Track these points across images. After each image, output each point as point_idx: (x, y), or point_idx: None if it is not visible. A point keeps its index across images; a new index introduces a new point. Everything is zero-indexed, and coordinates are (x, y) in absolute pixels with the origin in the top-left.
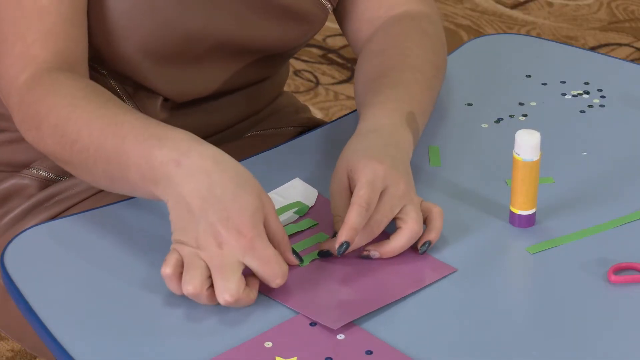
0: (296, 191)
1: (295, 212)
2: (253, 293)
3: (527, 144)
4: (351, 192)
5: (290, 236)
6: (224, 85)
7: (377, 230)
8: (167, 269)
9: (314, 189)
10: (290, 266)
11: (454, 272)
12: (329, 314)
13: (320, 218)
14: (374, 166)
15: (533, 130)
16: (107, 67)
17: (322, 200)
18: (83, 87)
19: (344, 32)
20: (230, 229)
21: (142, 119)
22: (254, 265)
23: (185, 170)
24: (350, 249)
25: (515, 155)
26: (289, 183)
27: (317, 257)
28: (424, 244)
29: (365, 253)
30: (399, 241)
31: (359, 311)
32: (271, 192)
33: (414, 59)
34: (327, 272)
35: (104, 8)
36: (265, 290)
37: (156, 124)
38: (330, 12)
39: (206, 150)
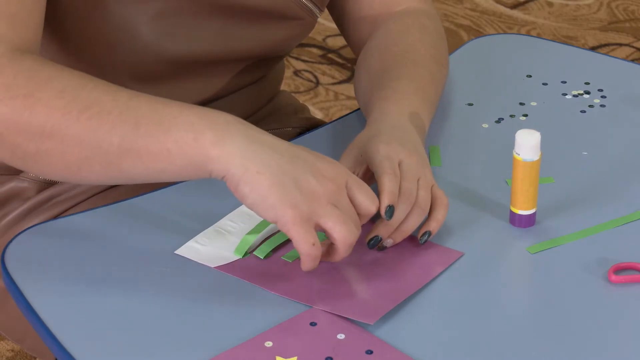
0: None
1: None
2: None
3: (527, 144)
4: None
5: (284, 243)
6: (218, 92)
7: (412, 199)
8: (316, 248)
9: None
10: (299, 270)
11: (460, 256)
12: (361, 311)
13: None
14: (383, 145)
15: (533, 130)
16: None
17: None
18: (75, 72)
19: (342, 32)
20: (324, 172)
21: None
22: (358, 195)
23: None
24: (396, 220)
25: (516, 155)
26: None
27: (369, 247)
28: (424, 233)
29: (380, 245)
30: (406, 221)
31: (388, 304)
32: None
33: (416, 55)
34: (338, 271)
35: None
36: (288, 294)
37: (192, 107)
38: (318, 15)
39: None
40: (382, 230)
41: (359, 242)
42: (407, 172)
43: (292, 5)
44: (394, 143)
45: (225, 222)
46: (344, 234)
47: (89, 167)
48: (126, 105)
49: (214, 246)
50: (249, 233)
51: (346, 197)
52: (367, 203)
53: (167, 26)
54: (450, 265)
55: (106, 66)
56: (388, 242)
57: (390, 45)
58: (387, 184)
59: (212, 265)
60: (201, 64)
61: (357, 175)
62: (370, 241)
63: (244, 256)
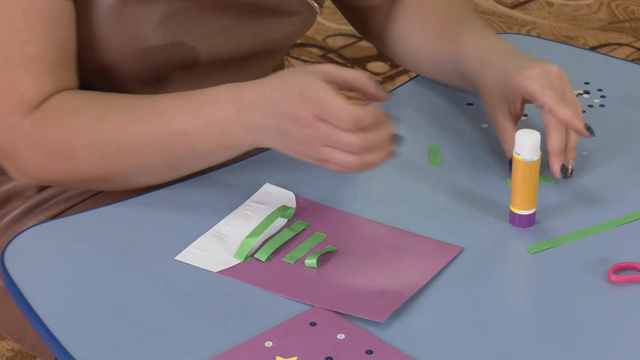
0: (273, 196)
1: (283, 217)
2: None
3: (527, 144)
4: (515, 112)
5: (288, 241)
6: None
7: (578, 108)
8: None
9: (288, 192)
10: (302, 271)
11: (460, 251)
12: (369, 309)
13: (309, 218)
14: (528, 72)
15: (533, 130)
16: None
17: (302, 201)
18: (89, 97)
19: (352, 21)
20: (295, 107)
21: (171, 96)
22: (331, 116)
23: (249, 109)
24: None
25: (516, 155)
26: (262, 189)
27: (562, 177)
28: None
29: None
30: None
31: (396, 301)
32: (248, 200)
33: (456, 6)
34: (341, 270)
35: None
36: (294, 296)
37: (191, 94)
38: (318, 11)
39: (249, 85)
40: (570, 155)
41: (359, 241)
42: (565, 86)
43: (293, 1)
44: (533, 67)
45: (222, 226)
46: (344, 167)
47: (161, 177)
48: (148, 136)
49: (213, 251)
50: (249, 236)
51: (322, 127)
52: (337, 114)
53: (173, 28)
54: (451, 262)
55: (112, 69)
56: (572, 164)
57: (432, 7)
58: (567, 111)
59: (215, 270)
60: (206, 64)
61: (517, 110)
62: (561, 172)
63: (245, 259)
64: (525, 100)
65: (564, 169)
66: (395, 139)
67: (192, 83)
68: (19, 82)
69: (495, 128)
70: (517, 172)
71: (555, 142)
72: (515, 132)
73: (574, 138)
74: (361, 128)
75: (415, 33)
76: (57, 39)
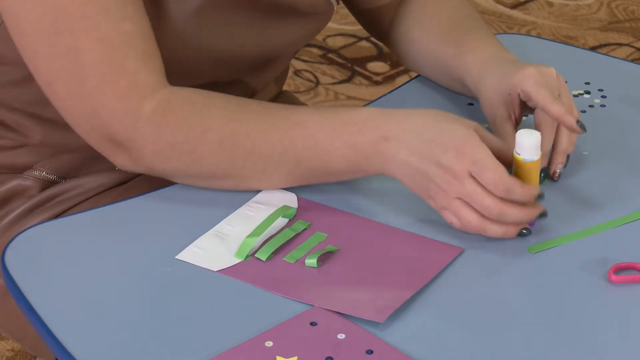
0: (274, 196)
1: (284, 217)
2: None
3: (527, 144)
4: (515, 115)
5: (288, 241)
6: (251, 88)
7: (574, 108)
8: (473, 221)
9: (289, 192)
10: (302, 271)
11: (462, 251)
12: (369, 309)
13: (310, 218)
14: (525, 72)
15: (534, 130)
16: None
17: (303, 201)
18: (222, 97)
19: (360, 20)
20: (449, 157)
21: (310, 111)
22: (484, 177)
23: (395, 139)
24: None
25: (516, 155)
26: (264, 190)
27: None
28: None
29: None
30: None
31: (396, 301)
32: (249, 201)
33: (463, 11)
34: (341, 270)
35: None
36: (294, 295)
37: (333, 112)
38: (334, 8)
39: (399, 114)
40: (559, 159)
41: (360, 242)
42: (561, 87)
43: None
44: (529, 67)
45: (223, 226)
46: (463, 224)
47: (276, 185)
48: (283, 145)
49: (214, 250)
50: (249, 236)
51: (470, 184)
52: (493, 179)
53: (205, 21)
54: (452, 262)
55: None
56: (560, 168)
57: (439, 10)
58: (559, 108)
59: (215, 270)
60: (237, 59)
61: (516, 113)
62: (541, 174)
63: (245, 259)
64: (522, 103)
65: (545, 170)
66: (538, 216)
67: (217, 76)
68: (125, 64)
69: (495, 132)
70: (518, 172)
71: (542, 143)
72: (514, 134)
73: (565, 142)
74: (506, 199)
75: (419, 35)
76: (143, 12)
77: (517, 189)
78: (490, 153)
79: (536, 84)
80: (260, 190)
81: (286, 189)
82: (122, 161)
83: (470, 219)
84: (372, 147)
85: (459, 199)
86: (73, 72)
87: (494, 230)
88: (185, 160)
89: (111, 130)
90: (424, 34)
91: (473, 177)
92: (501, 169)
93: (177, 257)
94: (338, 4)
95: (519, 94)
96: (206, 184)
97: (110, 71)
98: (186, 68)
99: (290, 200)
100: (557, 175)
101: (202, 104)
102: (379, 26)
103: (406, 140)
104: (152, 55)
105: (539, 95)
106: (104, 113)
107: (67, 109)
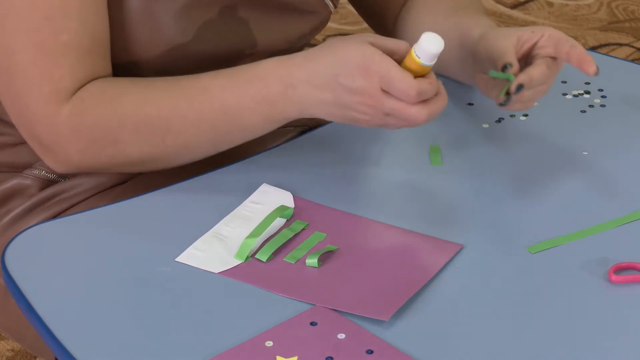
0: (271, 196)
1: (282, 217)
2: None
3: (430, 50)
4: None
5: (287, 241)
6: None
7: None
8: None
9: (286, 192)
10: (303, 271)
11: (460, 249)
12: (372, 307)
13: (308, 218)
14: (509, 31)
15: (440, 38)
16: None
17: (300, 201)
18: (128, 82)
19: (366, 18)
20: (357, 81)
21: (213, 74)
22: (396, 89)
23: (301, 84)
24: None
25: (414, 55)
26: (259, 189)
27: (501, 104)
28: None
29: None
30: None
31: (399, 299)
32: (246, 200)
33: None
34: (342, 269)
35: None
36: (296, 295)
37: (235, 70)
38: (332, 11)
39: (297, 58)
40: (522, 79)
41: (359, 240)
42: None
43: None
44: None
45: (221, 227)
46: (410, 125)
47: (203, 153)
48: (194, 117)
49: (214, 252)
50: (249, 237)
51: (387, 101)
52: (403, 88)
53: (192, 21)
54: (451, 263)
55: (131, 62)
56: (514, 88)
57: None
58: (581, 49)
59: (215, 271)
60: (224, 59)
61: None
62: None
63: (245, 260)
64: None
65: (508, 86)
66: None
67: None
68: (53, 71)
69: (475, 80)
70: (409, 69)
71: (537, 73)
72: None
73: (538, 75)
74: (423, 100)
75: (429, 18)
76: (91, 26)
77: (427, 88)
78: (392, 61)
79: (540, 29)
80: (257, 189)
81: (282, 188)
82: (51, 162)
83: (406, 124)
84: (282, 97)
85: (388, 115)
86: (7, 69)
87: (435, 112)
88: (111, 152)
89: (36, 132)
90: (433, 16)
91: (387, 93)
92: (407, 76)
93: (177, 259)
94: (335, 7)
95: (518, 37)
96: (140, 169)
97: (38, 76)
98: (174, 68)
99: (287, 199)
100: (512, 90)
101: (114, 94)
102: (384, 19)
103: (313, 82)
104: (84, 67)
105: (567, 39)
106: (29, 114)
107: (6, 106)
